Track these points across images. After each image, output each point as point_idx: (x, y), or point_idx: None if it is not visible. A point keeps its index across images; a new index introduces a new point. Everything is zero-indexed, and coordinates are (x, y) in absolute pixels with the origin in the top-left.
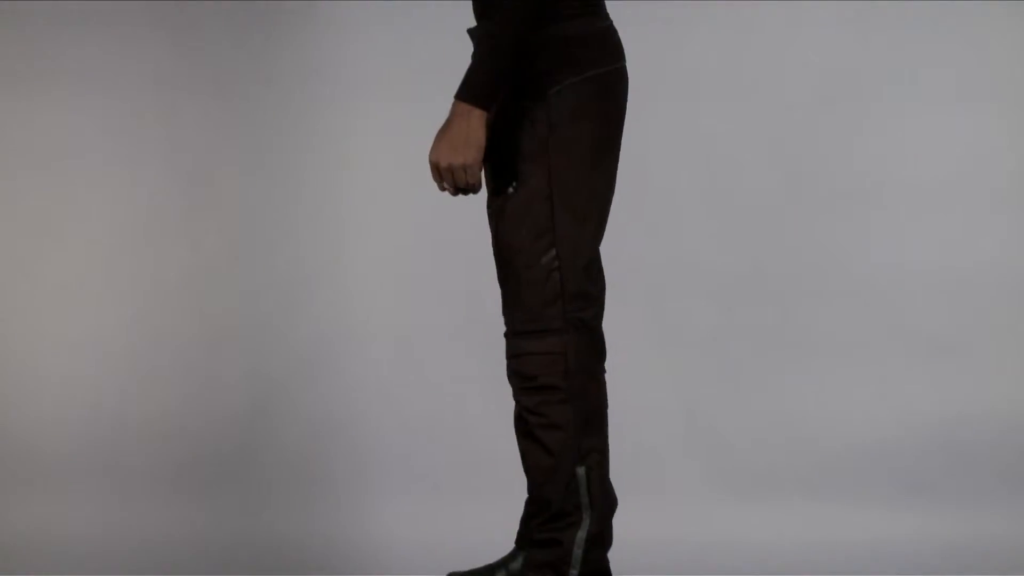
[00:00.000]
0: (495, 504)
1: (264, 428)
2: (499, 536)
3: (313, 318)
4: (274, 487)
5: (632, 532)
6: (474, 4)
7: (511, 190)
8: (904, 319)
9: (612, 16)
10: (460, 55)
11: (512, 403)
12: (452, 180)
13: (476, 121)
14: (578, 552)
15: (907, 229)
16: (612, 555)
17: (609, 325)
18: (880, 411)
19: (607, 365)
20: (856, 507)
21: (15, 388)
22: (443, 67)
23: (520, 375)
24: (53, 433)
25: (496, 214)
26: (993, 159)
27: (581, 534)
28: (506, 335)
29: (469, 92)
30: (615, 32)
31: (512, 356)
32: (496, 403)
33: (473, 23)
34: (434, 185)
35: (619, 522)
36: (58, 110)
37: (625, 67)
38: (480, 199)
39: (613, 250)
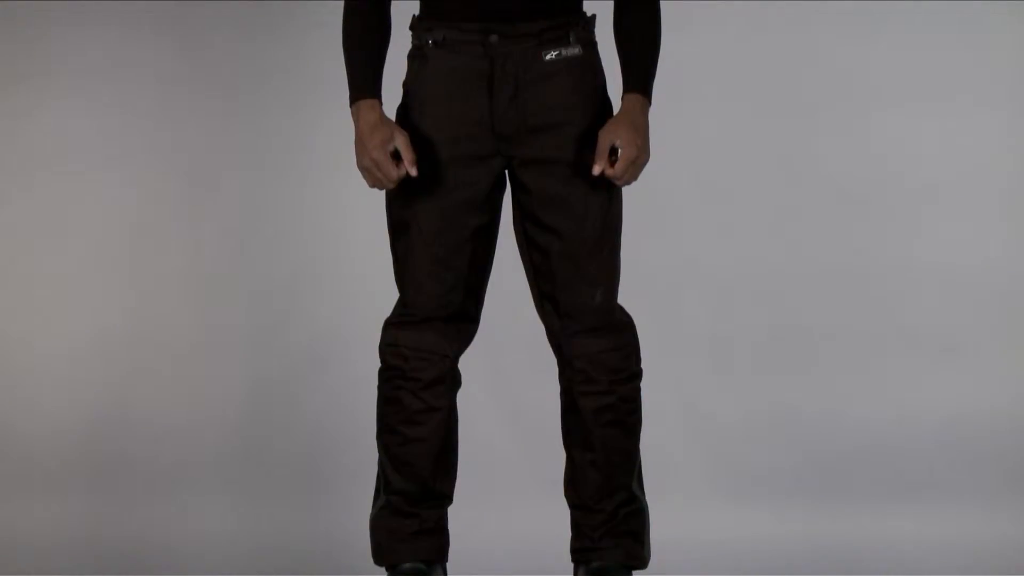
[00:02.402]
0: (495, 504)
1: (264, 428)
2: (499, 535)
3: (313, 318)
4: (274, 487)
5: None
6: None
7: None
8: (904, 319)
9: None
10: None
11: (511, 400)
12: (635, 174)
13: None
14: (649, 543)
15: (908, 229)
16: None
17: None
18: (880, 411)
19: None
20: (856, 507)
21: (15, 388)
22: None
23: (610, 367)
24: (53, 433)
25: (607, 186)
26: (994, 159)
27: (649, 524)
28: (596, 328)
29: (650, 90)
30: None
31: (614, 348)
32: (497, 403)
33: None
34: None
35: None
36: (58, 109)
37: None
38: None
39: None
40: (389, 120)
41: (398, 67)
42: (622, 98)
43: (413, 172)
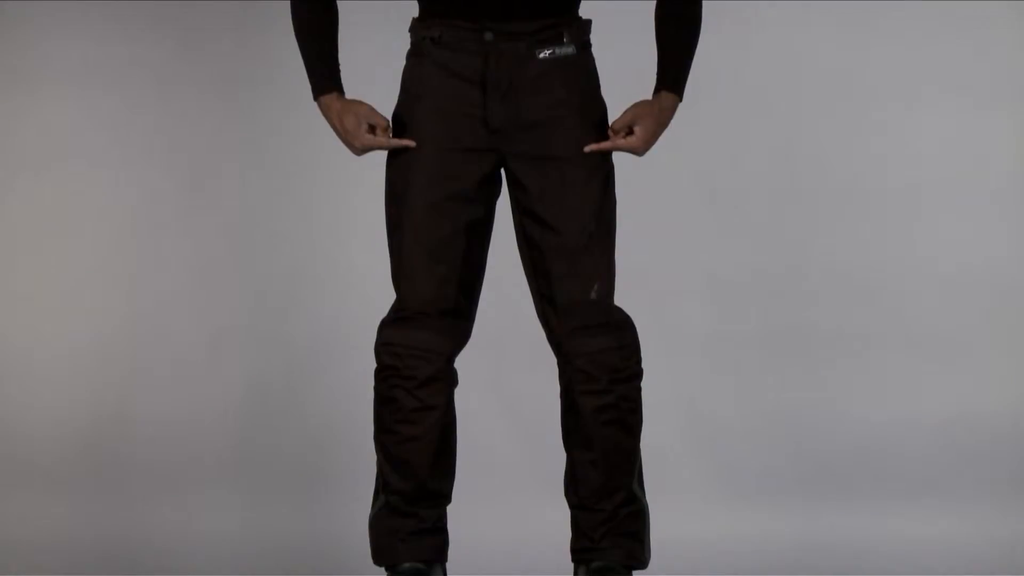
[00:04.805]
0: (495, 504)
1: (264, 428)
2: (499, 535)
3: (313, 318)
4: (274, 487)
5: None
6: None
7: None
8: (904, 319)
9: (615, 15)
10: None
11: (511, 400)
12: (621, 149)
13: None
14: (649, 543)
15: (907, 229)
16: None
17: None
18: (880, 411)
19: None
20: (856, 507)
21: (15, 388)
22: None
23: (610, 366)
24: (53, 433)
25: (602, 183)
26: (994, 159)
27: (649, 524)
28: (595, 326)
29: (683, 89)
30: None
31: (614, 347)
32: (497, 403)
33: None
34: None
35: None
36: (58, 109)
37: None
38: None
39: None
40: (349, 101)
41: (397, 67)
42: (657, 91)
43: (389, 133)
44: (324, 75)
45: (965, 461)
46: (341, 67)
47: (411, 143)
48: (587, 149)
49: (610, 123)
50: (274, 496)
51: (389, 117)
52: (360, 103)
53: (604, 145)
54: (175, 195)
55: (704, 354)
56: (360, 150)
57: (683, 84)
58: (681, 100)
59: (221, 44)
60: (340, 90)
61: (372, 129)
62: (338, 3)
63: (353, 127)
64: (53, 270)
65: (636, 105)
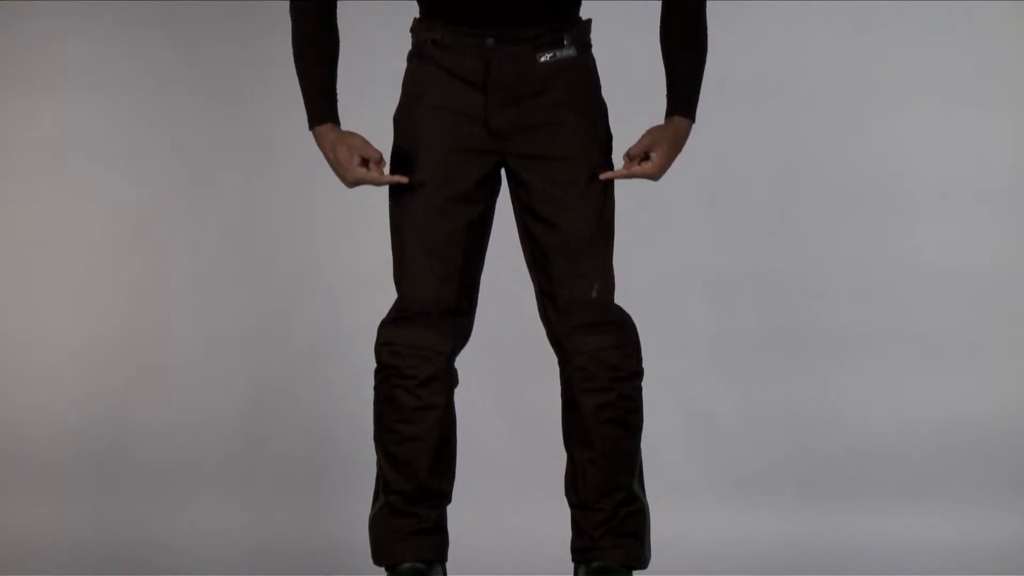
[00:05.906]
0: (495, 504)
1: (264, 428)
2: (499, 535)
3: (313, 318)
4: (274, 487)
5: None
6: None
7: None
8: (904, 319)
9: (615, 14)
10: None
11: (511, 400)
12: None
13: None
14: (649, 543)
15: (907, 229)
16: None
17: None
18: (880, 411)
19: None
20: (856, 507)
21: (15, 388)
22: None
23: (610, 365)
24: (53, 433)
25: (603, 184)
26: (994, 159)
27: (650, 524)
28: (595, 324)
29: (695, 110)
30: None
31: (615, 346)
32: (497, 403)
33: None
34: None
35: None
36: (58, 110)
37: None
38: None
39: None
40: (343, 133)
41: (397, 68)
42: (670, 115)
43: (384, 166)
44: (321, 105)
45: (965, 461)
46: (340, 68)
47: (403, 179)
48: (602, 177)
49: (610, 123)
50: (274, 496)
51: (390, 120)
52: (354, 135)
53: (620, 173)
54: (175, 195)
55: (704, 354)
56: (351, 183)
57: (695, 106)
58: (694, 122)
59: (221, 44)
60: (336, 121)
61: (365, 162)
62: (337, 4)
63: (346, 159)
64: (53, 270)
65: (651, 131)
